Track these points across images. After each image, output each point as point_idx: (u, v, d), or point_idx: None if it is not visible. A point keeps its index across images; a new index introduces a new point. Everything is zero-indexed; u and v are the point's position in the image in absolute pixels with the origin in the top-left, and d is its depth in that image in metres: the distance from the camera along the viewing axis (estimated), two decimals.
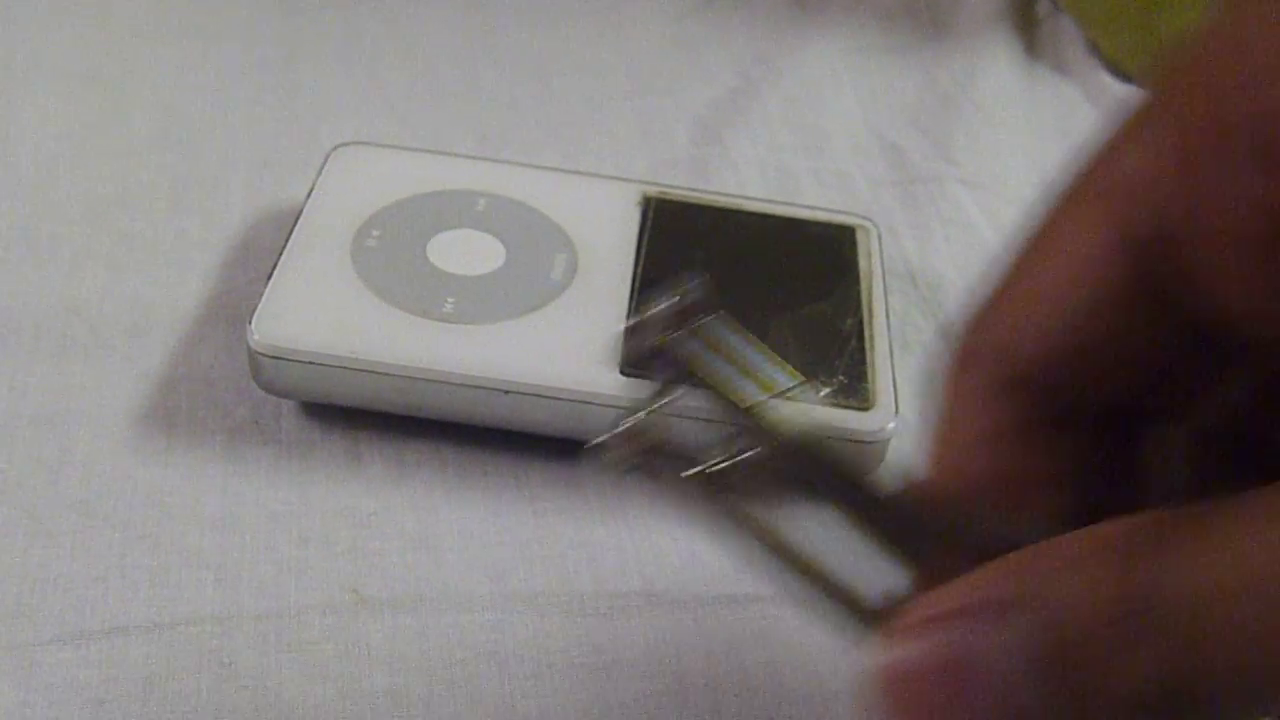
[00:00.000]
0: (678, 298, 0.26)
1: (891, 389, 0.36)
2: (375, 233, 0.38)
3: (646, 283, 0.38)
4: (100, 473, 0.34)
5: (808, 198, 0.44)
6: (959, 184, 0.48)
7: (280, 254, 0.37)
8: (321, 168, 0.40)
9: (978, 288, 0.22)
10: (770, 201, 0.42)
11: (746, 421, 0.25)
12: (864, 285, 0.39)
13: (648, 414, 0.25)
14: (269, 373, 0.35)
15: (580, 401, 0.34)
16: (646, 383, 0.34)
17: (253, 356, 0.35)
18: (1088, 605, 0.18)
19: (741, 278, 0.39)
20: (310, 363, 0.35)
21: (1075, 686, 0.18)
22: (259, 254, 0.41)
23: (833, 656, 0.32)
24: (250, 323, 0.35)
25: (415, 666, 0.31)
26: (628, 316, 0.37)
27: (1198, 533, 0.17)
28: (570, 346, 0.36)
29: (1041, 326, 0.21)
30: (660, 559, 0.34)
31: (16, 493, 0.34)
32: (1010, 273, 0.22)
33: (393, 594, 0.32)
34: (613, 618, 0.32)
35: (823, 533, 0.23)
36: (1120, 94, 0.53)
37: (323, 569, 0.33)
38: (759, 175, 0.47)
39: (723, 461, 0.24)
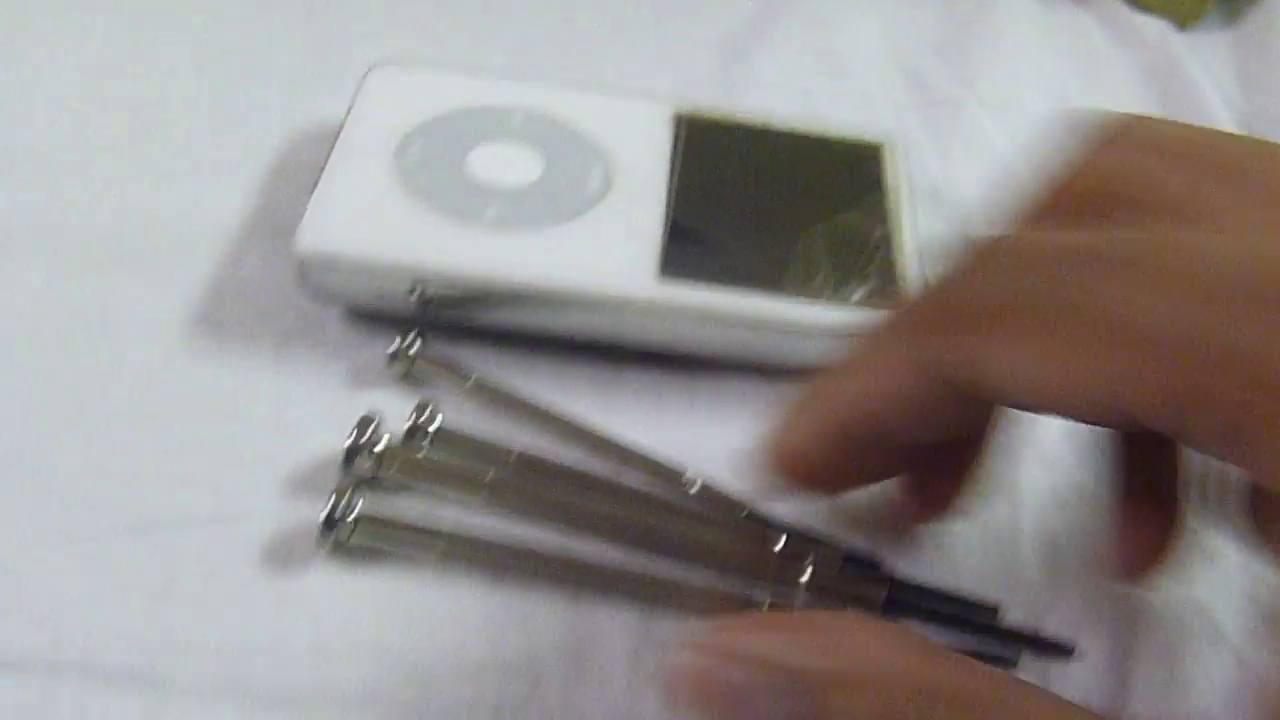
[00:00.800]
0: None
1: None
2: (415, 146, 0.39)
3: (681, 195, 0.39)
4: (153, 377, 0.35)
5: (831, 119, 0.44)
6: (979, 106, 0.48)
7: (323, 166, 0.38)
8: (359, 86, 0.41)
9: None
10: (798, 120, 0.43)
11: None
12: (891, 198, 0.40)
13: None
14: (316, 278, 0.36)
15: (620, 306, 0.35)
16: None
17: (299, 263, 0.36)
18: None
19: (771, 192, 0.40)
20: (356, 268, 0.35)
21: None
22: (299, 171, 0.41)
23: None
24: (297, 230, 0.36)
25: None
26: (663, 226, 0.37)
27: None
28: (610, 253, 0.36)
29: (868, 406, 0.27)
30: (699, 458, 0.35)
31: (72, 395, 0.35)
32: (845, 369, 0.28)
33: None
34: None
35: None
36: (1133, 23, 0.54)
37: None
38: (782, 98, 0.48)
39: None
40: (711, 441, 0.35)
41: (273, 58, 0.47)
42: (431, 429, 0.34)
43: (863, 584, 0.32)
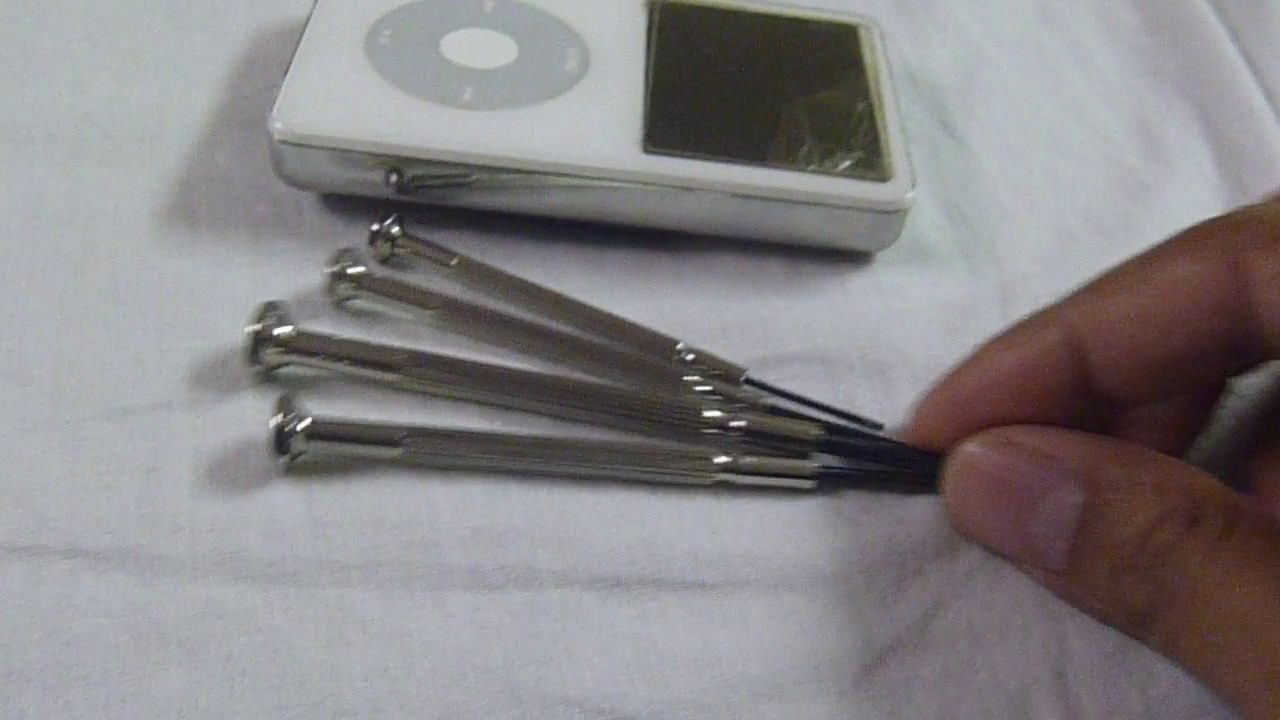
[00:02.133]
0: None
1: (908, 164, 0.36)
2: (387, 32, 0.38)
3: (661, 74, 0.38)
4: (126, 265, 0.34)
5: (805, 4, 0.44)
6: None
7: (294, 51, 0.37)
8: None
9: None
10: (773, 4, 0.42)
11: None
12: (871, 75, 0.39)
13: None
14: (292, 163, 0.35)
15: (606, 180, 0.35)
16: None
17: (274, 147, 0.35)
18: (1136, 529, 0.26)
19: (751, 71, 0.39)
20: (334, 149, 0.35)
21: (1081, 562, 0.27)
22: (266, 65, 0.40)
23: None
24: (271, 113, 0.35)
25: None
26: (644, 103, 0.37)
27: (1256, 539, 0.25)
28: (592, 129, 0.36)
29: (1137, 334, 0.27)
30: (688, 331, 0.34)
31: (45, 283, 0.34)
32: (1123, 278, 0.28)
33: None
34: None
35: None
36: None
37: None
38: None
39: None
40: (699, 317, 0.35)
41: None
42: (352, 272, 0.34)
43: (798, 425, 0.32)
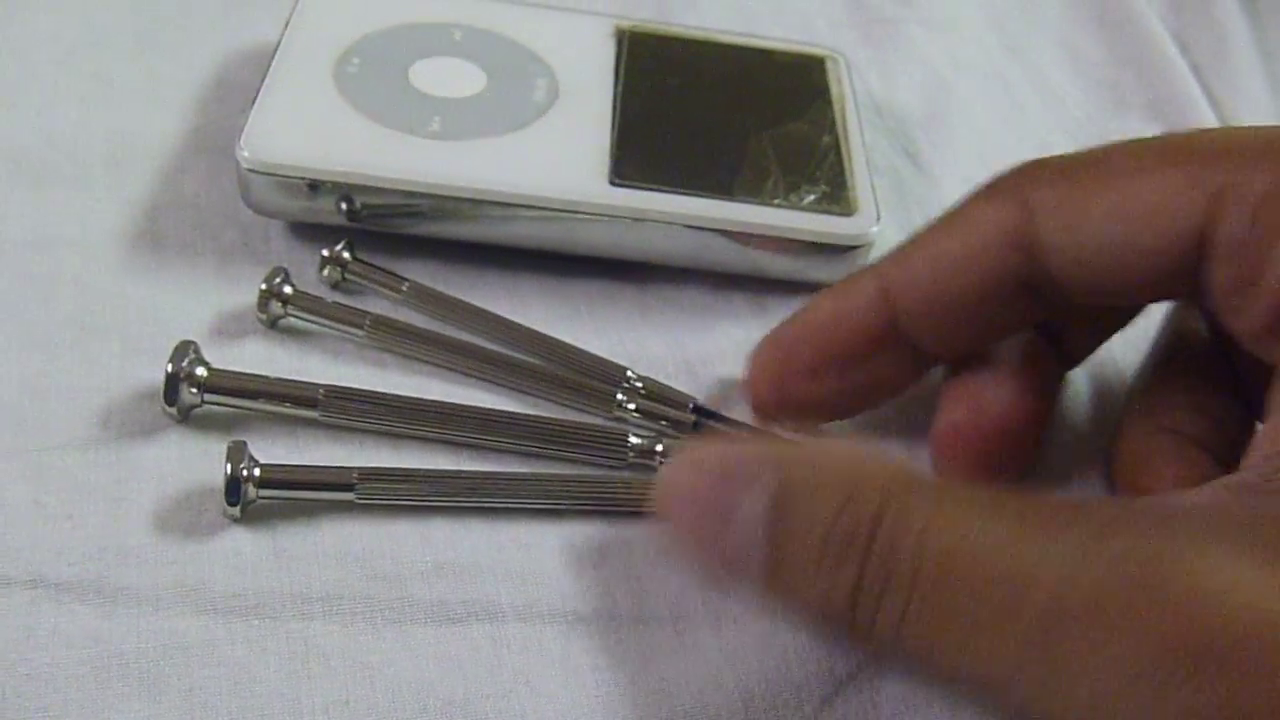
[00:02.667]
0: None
1: (872, 197, 0.37)
2: (356, 60, 0.38)
3: (628, 106, 0.38)
4: (93, 291, 0.34)
5: (772, 37, 0.44)
6: (917, 25, 0.48)
7: (263, 78, 0.37)
8: (295, 3, 0.40)
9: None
10: (740, 35, 0.43)
11: None
12: (837, 108, 0.40)
13: None
14: (259, 191, 0.35)
15: (572, 211, 0.35)
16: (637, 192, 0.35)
17: (242, 175, 0.35)
18: (824, 518, 0.24)
19: (718, 102, 0.40)
20: (301, 179, 0.35)
21: (780, 569, 0.25)
22: (235, 90, 0.41)
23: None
24: (239, 141, 0.35)
25: None
26: (611, 134, 0.37)
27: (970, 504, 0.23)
28: (559, 160, 0.36)
29: (1098, 226, 0.27)
30: (652, 363, 0.34)
31: (9, 310, 0.33)
32: (1095, 165, 0.28)
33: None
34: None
35: None
36: None
37: (324, 376, 0.33)
38: (719, 16, 0.48)
39: None
40: (663, 350, 0.35)
41: None
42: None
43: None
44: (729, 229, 0.35)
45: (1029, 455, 0.31)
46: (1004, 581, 0.21)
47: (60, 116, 0.39)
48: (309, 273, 0.35)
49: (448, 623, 0.28)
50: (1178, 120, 0.45)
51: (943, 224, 0.29)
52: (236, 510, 0.29)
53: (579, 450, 0.31)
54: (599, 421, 0.33)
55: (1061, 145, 0.44)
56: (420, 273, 0.36)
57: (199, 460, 0.31)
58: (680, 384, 0.34)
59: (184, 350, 0.31)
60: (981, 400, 0.30)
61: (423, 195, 0.35)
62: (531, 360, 0.34)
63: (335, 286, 0.35)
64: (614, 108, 0.38)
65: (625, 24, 0.42)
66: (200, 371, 0.31)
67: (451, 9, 0.41)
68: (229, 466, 0.29)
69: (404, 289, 0.35)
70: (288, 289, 0.34)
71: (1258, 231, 0.25)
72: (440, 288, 0.35)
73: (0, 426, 0.31)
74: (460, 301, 0.35)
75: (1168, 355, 0.32)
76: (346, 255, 0.35)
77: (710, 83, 0.40)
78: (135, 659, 0.27)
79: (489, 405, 0.32)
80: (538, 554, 0.30)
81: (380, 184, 0.35)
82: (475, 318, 0.34)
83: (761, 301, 0.37)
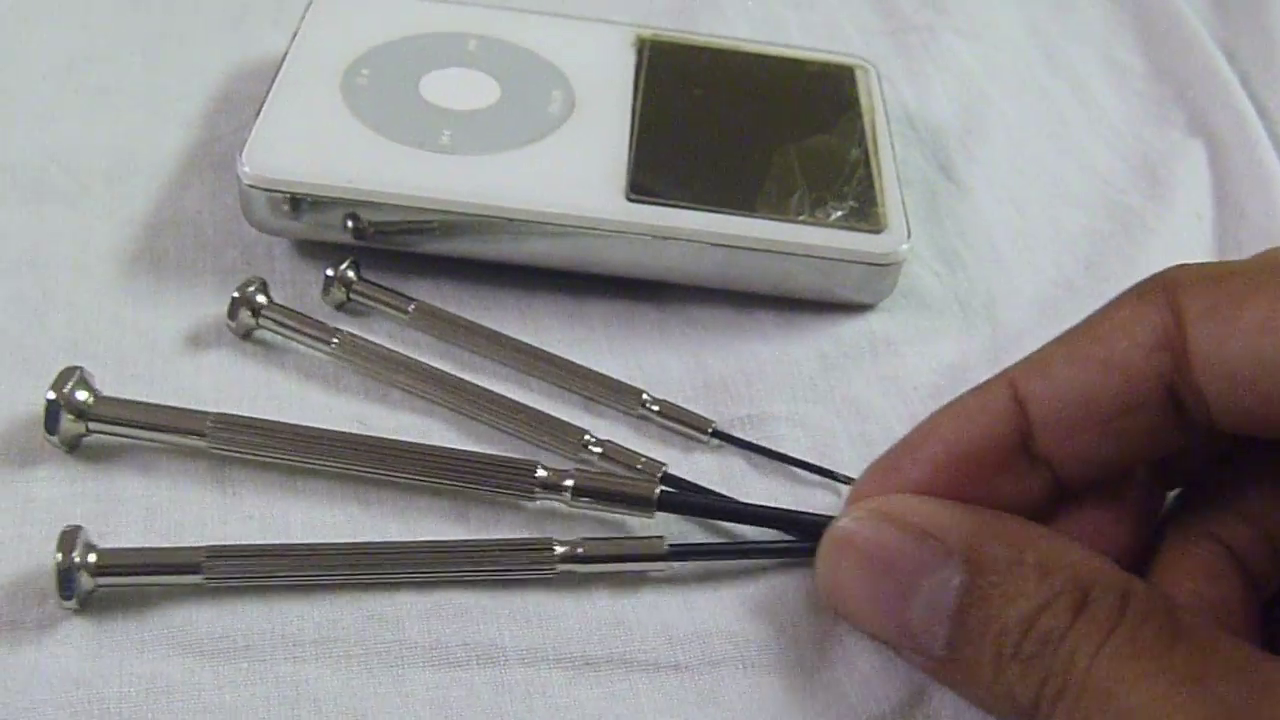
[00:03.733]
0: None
1: (902, 214, 0.35)
2: (365, 71, 0.37)
3: (648, 118, 0.37)
4: (87, 314, 0.33)
5: (801, 45, 0.42)
6: (952, 33, 0.47)
7: (267, 91, 0.35)
8: (304, 12, 0.39)
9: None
10: (766, 44, 0.41)
11: None
12: (867, 120, 0.38)
13: None
14: (261, 209, 0.34)
15: (588, 228, 0.33)
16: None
17: (244, 192, 0.34)
18: (1020, 613, 0.23)
19: (742, 114, 0.38)
20: (304, 196, 0.33)
21: (962, 648, 0.24)
22: (240, 104, 0.39)
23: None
24: (240, 157, 0.33)
25: None
26: (629, 148, 0.35)
27: (1148, 629, 0.23)
28: (574, 175, 0.34)
29: (1080, 381, 0.25)
30: (671, 388, 0.33)
31: (4, 335, 0.32)
32: (1070, 334, 0.26)
33: (399, 424, 0.31)
34: (630, 441, 0.31)
35: None
36: None
37: (326, 404, 0.31)
38: (747, 24, 0.46)
39: None
40: (683, 372, 0.33)
41: None
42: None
43: (636, 484, 0.29)
44: (752, 246, 0.34)
45: None
46: None
47: (60, 131, 0.38)
48: (313, 293, 0.34)
49: (447, 667, 0.26)
50: (1224, 133, 0.43)
51: (1084, 327, 0.26)
52: (72, 604, 0.26)
53: (481, 482, 0.29)
54: (503, 454, 0.30)
55: (1104, 159, 0.42)
56: (430, 293, 0.34)
57: (187, 489, 0.29)
58: (700, 408, 0.32)
59: (68, 376, 0.29)
60: (1084, 528, 0.27)
61: (432, 212, 0.33)
62: (507, 397, 0.31)
63: (340, 307, 0.34)
64: (632, 120, 0.36)
65: (646, 33, 0.40)
66: (82, 396, 0.29)
67: (465, 18, 0.39)
68: (59, 556, 0.26)
69: (410, 310, 0.33)
70: (261, 299, 0.32)
71: None
72: (451, 309, 0.34)
73: None
74: (470, 323, 0.33)
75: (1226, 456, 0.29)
76: (351, 275, 0.34)
77: (734, 93, 0.39)
78: (117, 704, 0.25)
79: (452, 433, 0.31)
80: (545, 594, 0.28)
81: (387, 200, 0.33)
82: (485, 340, 0.33)
83: (787, 319, 0.35)
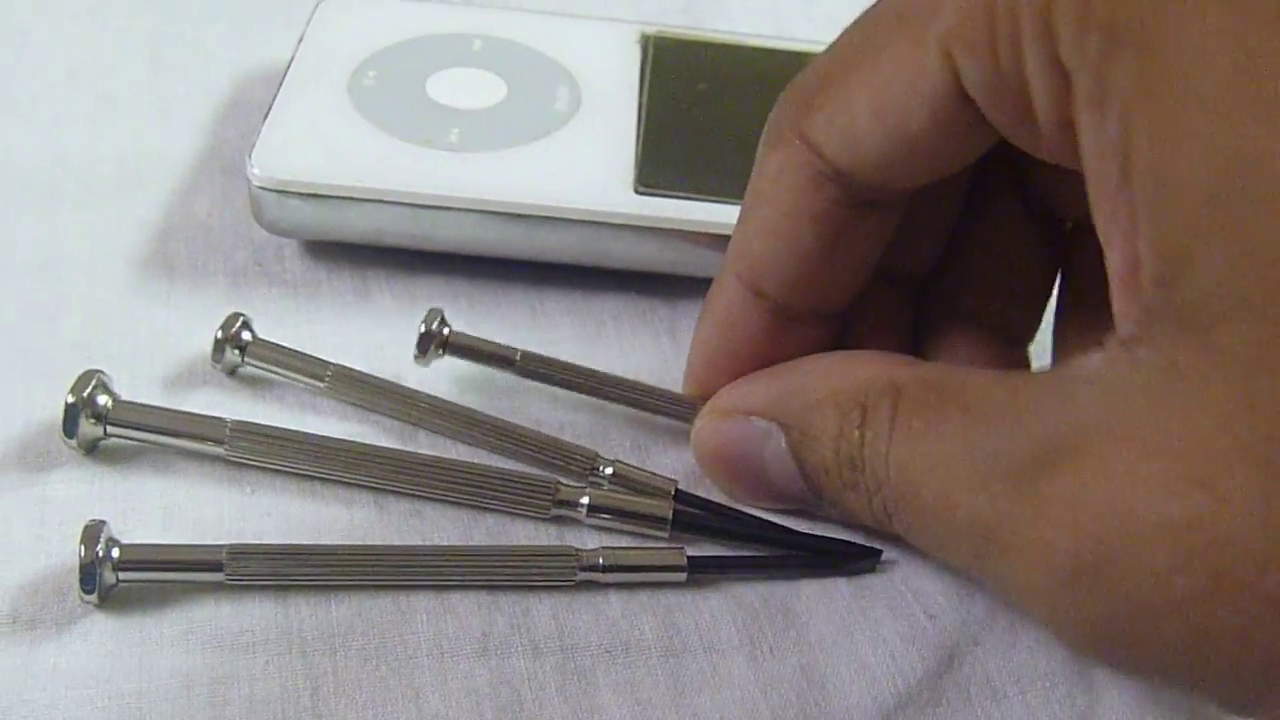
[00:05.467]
0: None
1: None
2: (371, 73, 0.37)
3: (654, 113, 0.37)
4: (100, 317, 0.33)
5: (804, 39, 0.42)
6: None
7: (275, 94, 0.36)
8: (310, 18, 0.39)
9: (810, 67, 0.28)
10: (769, 38, 0.41)
11: None
12: None
13: None
14: (272, 209, 0.34)
15: (597, 222, 0.33)
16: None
17: (253, 193, 0.34)
18: (829, 446, 0.26)
19: (746, 108, 0.38)
20: (314, 195, 0.33)
21: (818, 492, 0.27)
22: (248, 109, 0.39)
23: None
24: (249, 158, 0.34)
25: None
26: (636, 142, 0.36)
27: (920, 413, 0.24)
28: (582, 169, 0.35)
29: (869, 122, 0.25)
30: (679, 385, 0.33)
31: (13, 335, 0.32)
32: (841, 63, 0.27)
33: None
34: (642, 449, 0.31)
35: None
36: None
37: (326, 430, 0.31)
38: (750, 19, 0.46)
39: None
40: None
41: None
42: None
43: (650, 503, 0.29)
44: None
45: None
46: (941, 501, 0.23)
47: (70, 136, 0.38)
48: (324, 294, 0.34)
49: (465, 658, 0.26)
50: None
51: (750, 199, 0.28)
52: (94, 598, 0.26)
53: (499, 499, 0.29)
54: (521, 468, 0.30)
55: None
56: (440, 290, 0.34)
57: (206, 491, 0.29)
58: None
59: (87, 380, 0.29)
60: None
61: (442, 209, 0.33)
62: (510, 423, 0.31)
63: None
64: (639, 115, 0.37)
65: (649, 30, 0.40)
66: (102, 400, 0.29)
67: (471, 20, 0.40)
68: (82, 550, 0.26)
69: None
70: (246, 335, 0.31)
71: (1004, 53, 0.23)
72: (463, 305, 0.34)
73: (4, 456, 0.30)
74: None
75: (963, 237, 0.31)
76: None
77: (738, 87, 0.39)
78: (137, 699, 0.25)
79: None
80: (560, 592, 0.28)
81: (397, 199, 0.33)
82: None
83: None
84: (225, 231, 0.36)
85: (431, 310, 0.31)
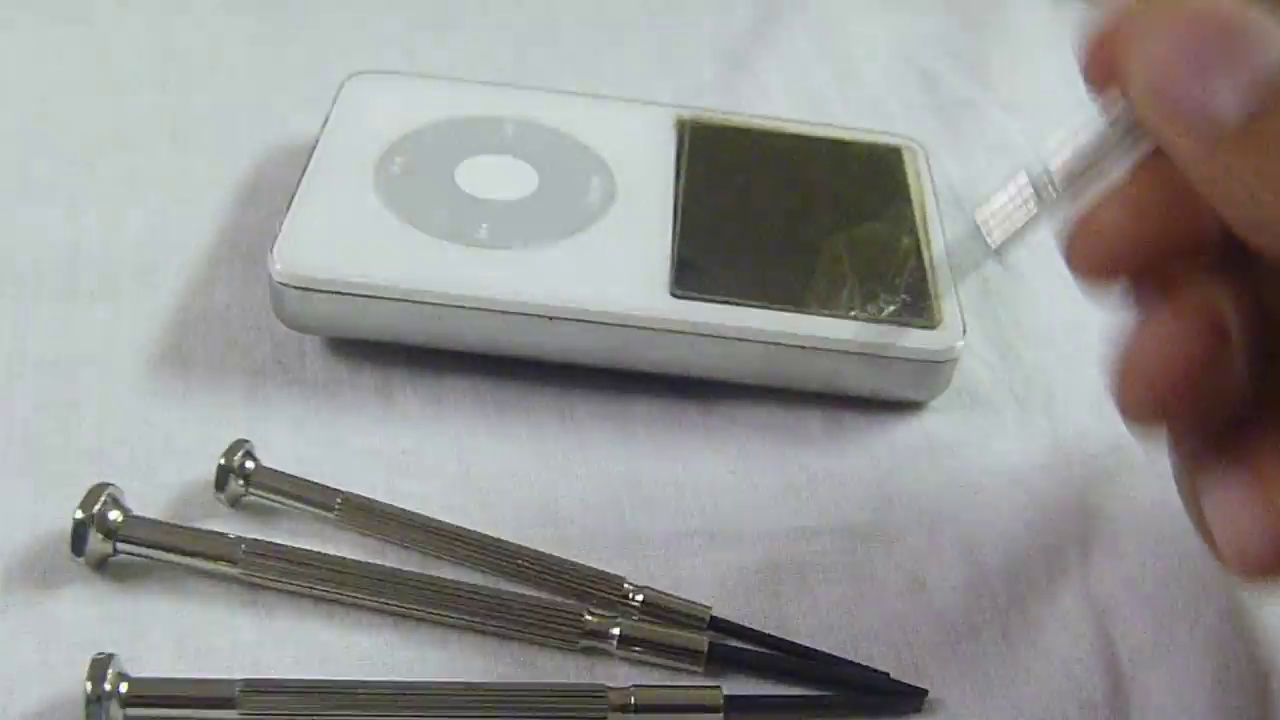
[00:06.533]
0: None
1: (957, 306, 0.33)
2: (398, 159, 0.36)
3: (691, 206, 0.35)
4: (113, 420, 0.32)
5: (843, 123, 0.41)
6: (998, 108, 0.45)
7: (298, 182, 0.34)
8: (336, 97, 0.38)
9: None
10: (811, 124, 0.40)
11: None
12: (916, 205, 0.37)
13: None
14: (293, 305, 0.33)
15: (631, 326, 0.32)
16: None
17: (274, 289, 0.32)
18: None
19: (787, 201, 0.37)
20: (337, 292, 0.32)
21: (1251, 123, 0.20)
22: (271, 190, 0.38)
23: (904, 592, 0.30)
24: (271, 253, 0.32)
25: None
26: (672, 240, 0.34)
27: None
28: (616, 269, 0.33)
29: None
30: (719, 495, 0.31)
31: (23, 442, 0.31)
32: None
33: None
34: (674, 559, 0.30)
35: None
36: None
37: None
38: (790, 102, 0.45)
39: None
40: (729, 479, 0.32)
41: (239, 72, 0.44)
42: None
43: (684, 635, 0.28)
44: (801, 344, 0.32)
45: None
46: None
47: (89, 219, 0.37)
48: (346, 394, 0.33)
49: None
50: None
51: None
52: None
53: (524, 627, 0.28)
54: (549, 596, 0.29)
55: None
56: (465, 391, 0.33)
57: (217, 614, 0.28)
58: (748, 518, 0.31)
59: (97, 494, 0.28)
60: None
61: (469, 309, 0.32)
62: (531, 549, 0.29)
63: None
64: (675, 209, 0.35)
65: (686, 114, 0.39)
66: (113, 516, 0.28)
67: (501, 101, 0.38)
68: (89, 686, 0.25)
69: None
70: (250, 464, 0.30)
71: None
72: (490, 409, 0.33)
73: (12, 570, 0.28)
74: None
75: None
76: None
77: (779, 178, 0.37)
78: None
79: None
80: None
81: (423, 297, 0.32)
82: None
83: (838, 419, 0.34)
84: (244, 325, 0.34)
85: (236, 442, 0.30)
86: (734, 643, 0.28)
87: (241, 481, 0.30)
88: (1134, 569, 0.30)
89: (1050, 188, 0.23)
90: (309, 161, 0.35)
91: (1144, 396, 0.22)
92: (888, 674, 0.28)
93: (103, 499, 0.28)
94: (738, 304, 0.33)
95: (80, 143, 0.40)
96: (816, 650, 0.28)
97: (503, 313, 0.32)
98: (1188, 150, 0.21)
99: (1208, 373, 0.22)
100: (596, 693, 0.26)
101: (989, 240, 0.23)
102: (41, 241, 0.36)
